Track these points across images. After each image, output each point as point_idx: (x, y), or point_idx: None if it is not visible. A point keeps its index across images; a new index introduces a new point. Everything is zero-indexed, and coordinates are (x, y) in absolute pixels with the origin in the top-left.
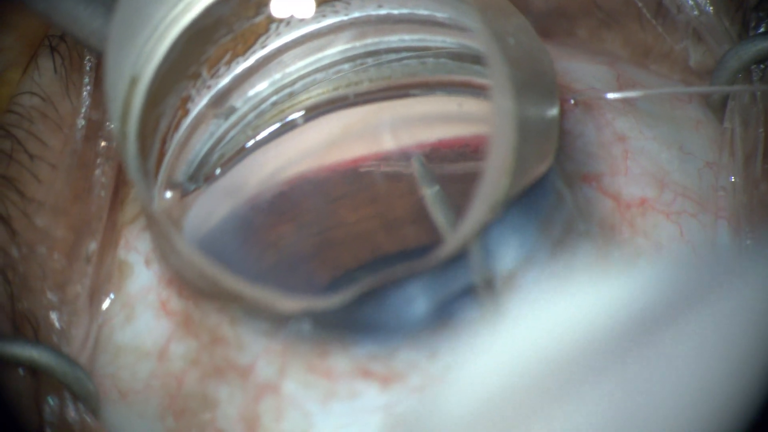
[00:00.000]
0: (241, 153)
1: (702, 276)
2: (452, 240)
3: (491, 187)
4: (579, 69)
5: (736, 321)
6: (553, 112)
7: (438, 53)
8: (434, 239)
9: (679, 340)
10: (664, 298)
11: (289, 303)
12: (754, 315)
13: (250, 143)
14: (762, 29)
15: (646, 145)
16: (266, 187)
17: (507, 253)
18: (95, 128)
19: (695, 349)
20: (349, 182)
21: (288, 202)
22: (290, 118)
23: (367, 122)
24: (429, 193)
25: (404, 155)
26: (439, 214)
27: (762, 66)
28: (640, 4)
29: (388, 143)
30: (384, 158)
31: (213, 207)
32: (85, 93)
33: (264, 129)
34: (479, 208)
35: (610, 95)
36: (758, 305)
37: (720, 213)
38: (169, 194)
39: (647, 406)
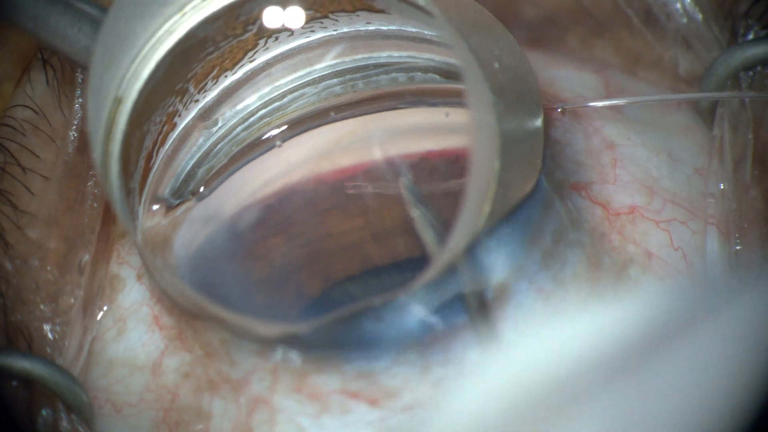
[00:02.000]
0: (230, 168)
1: (695, 295)
2: (432, 267)
3: (471, 214)
4: (567, 77)
5: (730, 339)
6: (537, 134)
7: (426, 69)
8: (424, 251)
9: (672, 359)
10: (658, 317)
11: (268, 328)
12: (749, 333)
13: (238, 159)
14: (750, 36)
15: (635, 152)
16: (254, 201)
17: (496, 266)
18: (87, 140)
19: (689, 368)
20: (337, 194)
21: (276, 215)
22: (278, 131)
23: (355, 134)
24: (417, 214)
25: (392, 167)
26: (425, 235)
27: (750, 72)
28: (630, 13)
29: (376, 155)
30: (372, 170)
31: (203, 223)
32: (77, 105)
33: (251, 143)
34: (459, 234)
35: (597, 103)
36: (752, 324)
37: (709, 219)
38: (155, 207)
39: (643, 425)
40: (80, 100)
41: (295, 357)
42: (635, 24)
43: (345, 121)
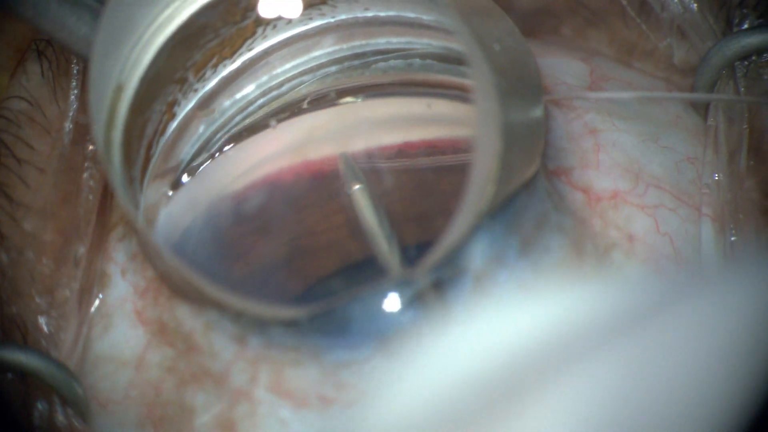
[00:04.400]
0: (214, 153)
1: (680, 278)
2: (439, 248)
3: (477, 195)
4: (552, 65)
5: (715, 324)
6: (539, 116)
7: (424, 55)
8: (405, 245)
9: (653, 344)
10: (640, 301)
11: (263, 310)
12: (736, 317)
13: (218, 144)
14: (746, 26)
15: (619, 138)
16: (233, 191)
17: (477, 251)
18: (83, 132)
19: (669, 354)
20: (316, 190)
21: (256, 210)
22: (265, 119)
23: (332, 125)
24: (355, 190)
25: (369, 157)
26: (364, 212)
27: (746, 62)
28: (624, 2)
29: (353, 146)
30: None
31: (189, 210)
32: (72, 97)
33: (240, 131)
34: (465, 216)
35: (589, 95)
36: (740, 307)
37: (704, 210)
38: (155, 195)
39: (617, 414)
40: (75, 91)
41: (276, 343)
42: (629, 14)
43: (323, 111)
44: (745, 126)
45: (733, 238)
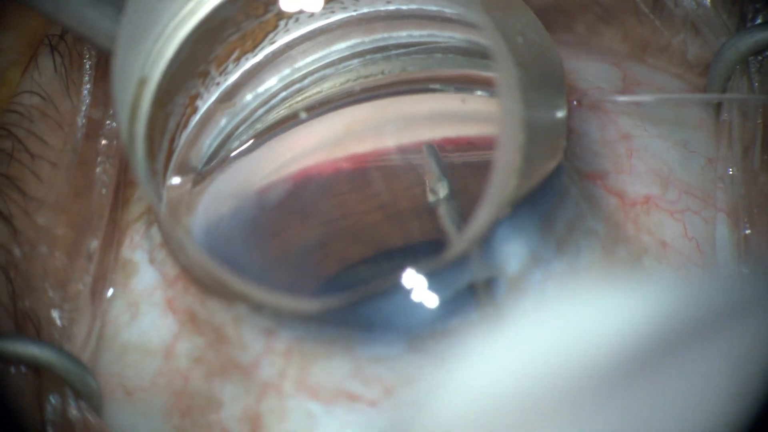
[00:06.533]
0: (246, 148)
1: (709, 300)
2: (461, 239)
3: (499, 187)
4: (584, 68)
5: (741, 350)
6: (561, 110)
7: (446, 48)
8: (437, 235)
9: (687, 362)
10: (670, 320)
11: (291, 302)
12: (759, 345)
13: (255, 138)
14: (759, 21)
15: (650, 143)
16: (270, 183)
17: (512, 254)
18: (96, 126)
19: (703, 372)
20: (353, 181)
21: (293, 199)
22: (297, 112)
23: (371, 120)
24: (439, 187)
25: (407, 154)
26: (446, 212)
27: (759, 57)
28: None
29: (390, 142)
30: (387, 157)
31: (219, 202)
32: (85, 91)
33: (272, 125)
34: (488, 208)
35: (615, 98)
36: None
37: (719, 205)
38: (178, 184)
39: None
40: (88, 86)
41: (309, 336)
42: (643, 10)
43: (361, 105)
44: (759, 121)
45: (747, 231)
